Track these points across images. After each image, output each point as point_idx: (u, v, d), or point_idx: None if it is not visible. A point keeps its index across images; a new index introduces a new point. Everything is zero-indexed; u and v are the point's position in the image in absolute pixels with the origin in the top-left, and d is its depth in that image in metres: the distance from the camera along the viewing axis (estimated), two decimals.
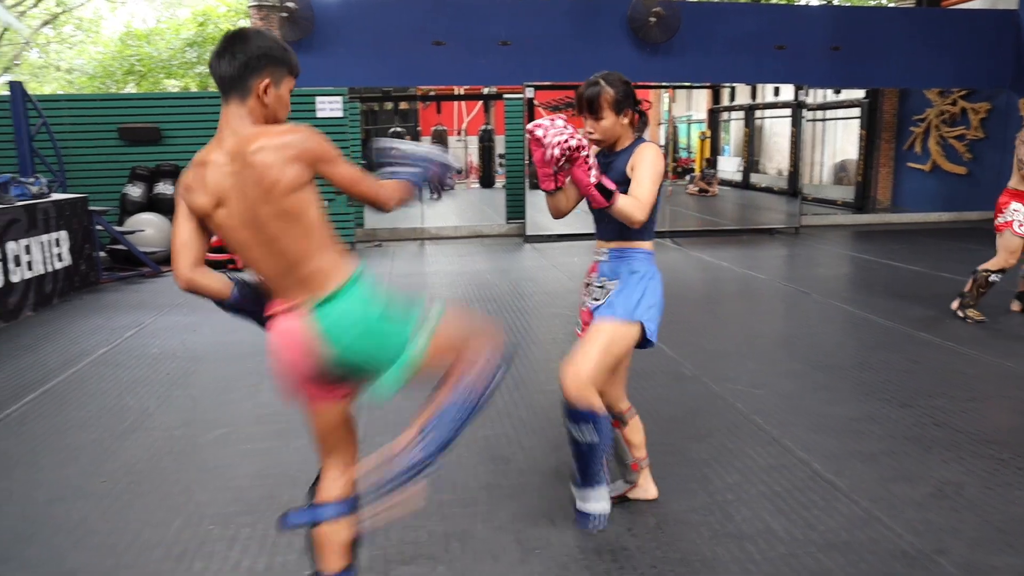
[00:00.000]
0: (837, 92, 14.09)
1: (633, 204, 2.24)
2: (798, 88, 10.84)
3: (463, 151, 20.37)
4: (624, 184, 2.33)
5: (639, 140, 2.43)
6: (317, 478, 2.00)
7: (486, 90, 14.03)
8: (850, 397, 3.79)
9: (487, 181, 17.69)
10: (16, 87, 7.59)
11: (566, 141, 2.08)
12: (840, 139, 15.76)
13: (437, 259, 8.82)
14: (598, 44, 10.94)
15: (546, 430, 3.41)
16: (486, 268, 8.00)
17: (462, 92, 16.19)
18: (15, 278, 5.82)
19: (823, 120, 15.99)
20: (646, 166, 2.32)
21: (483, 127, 17.89)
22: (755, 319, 5.75)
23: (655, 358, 4.48)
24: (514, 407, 3.72)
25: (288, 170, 1.70)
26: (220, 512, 2.70)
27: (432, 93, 13.07)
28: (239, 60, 1.75)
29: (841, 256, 8.64)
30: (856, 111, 13.49)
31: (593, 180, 2.15)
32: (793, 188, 11.13)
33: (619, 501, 2.65)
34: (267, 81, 1.77)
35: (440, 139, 18.05)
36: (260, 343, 5.26)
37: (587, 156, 2.13)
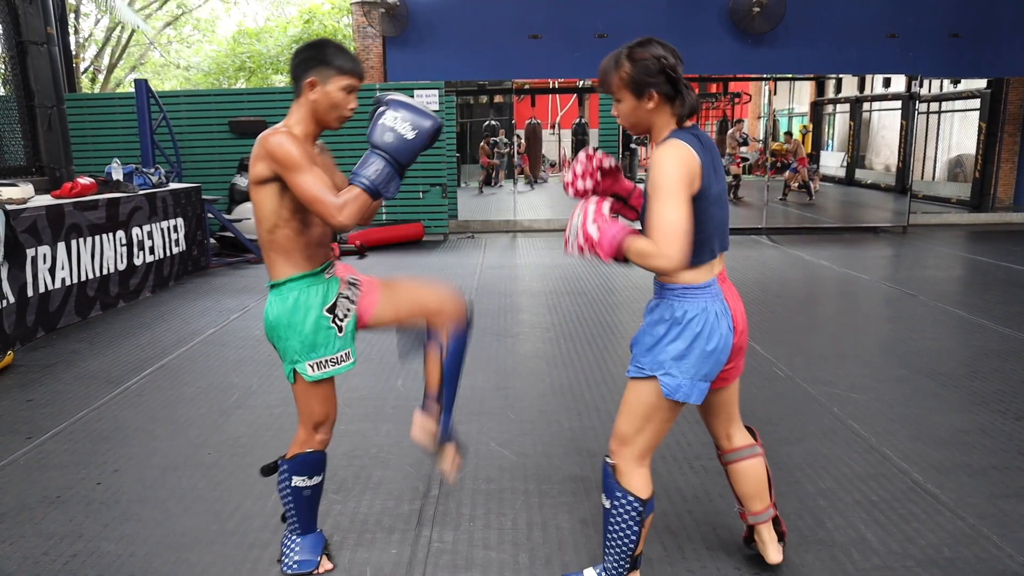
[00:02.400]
0: (955, 83, 13.22)
1: (644, 248, 1.75)
2: (911, 79, 10.23)
3: (556, 144, 20.36)
4: None
5: (669, 137, 1.83)
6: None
7: (581, 83, 13.96)
8: (958, 406, 3.58)
9: None
10: (141, 84, 8.13)
11: (571, 183, 1.96)
12: (956, 132, 14.78)
13: (528, 252, 8.88)
14: (697, 35, 10.70)
15: None
16: (577, 262, 7.98)
17: (557, 85, 16.19)
18: (137, 261, 6.26)
19: (938, 112, 15.05)
20: (651, 185, 1.78)
21: (577, 120, 17.82)
22: (856, 321, 5.50)
23: (748, 358, 4.36)
24: (601, 401, 3.71)
25: (256, 166, 1.97)
26: None
27: (527, 86, 13.11)
28: (294, 65, 2.03)
29: (953, 257, 8.13)
30: (976, 103, 12.61)
31: (596, 249, 1.81)
32: (902, 185, 10.55)
33: (745, 542, 2.33)
34: (312, 79, 1.98)
35: (533, 133, 18.10)
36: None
37: (588, 204, 1.83)
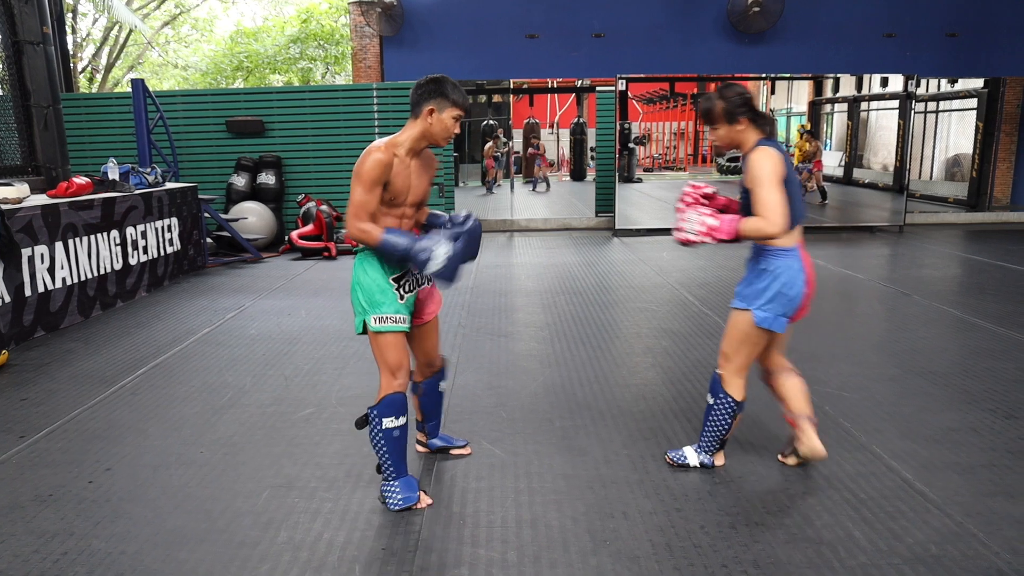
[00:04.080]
0: (952, 82, 13.23)
1: (757, 224, 2.51)
2: (908, 78, 10.25)
3: (555, 144, 20.37)
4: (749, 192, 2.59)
5: (755, 146, 2.59)
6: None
7: (579, 82, 13.98)
8: (949, 405, 3.59)
9: (578, 174, 17.66)
10: (138, 84, 8.14)
11: (691, 238, 2.65)
12: (953, 132, 14.80)
13: (525, 251, 8.89)
14: (694, 34, 10.71)
15: (625, 424, 3.40)
16: (573, 261, 8.00)
17: (555, 85, 16.22)
18: (132, 261, 6.27)
19: (935, 112, 15.07)
20: (753, 180, 2.53)
21: (575, 120, 17.84)
22: (851, 320, 5.51)
23: None
24: (594, 400, 3.72)
25: None
26: (306, 486, 2.84)
27: (525, 86, 13.14)
28: (417, 92, 2.56)
29: (949, 256, 8.14)
30: (972, 102, 12.63)
31: (717, 234, 2.59)
32: (899, 184, 10.56)
33: (791, 454, 2.94)
34: (431, 107, 2.51)
35: (532, 132, 18.11)
36: (349, 329, 5.43)
37: (704, 221, 2.61)
